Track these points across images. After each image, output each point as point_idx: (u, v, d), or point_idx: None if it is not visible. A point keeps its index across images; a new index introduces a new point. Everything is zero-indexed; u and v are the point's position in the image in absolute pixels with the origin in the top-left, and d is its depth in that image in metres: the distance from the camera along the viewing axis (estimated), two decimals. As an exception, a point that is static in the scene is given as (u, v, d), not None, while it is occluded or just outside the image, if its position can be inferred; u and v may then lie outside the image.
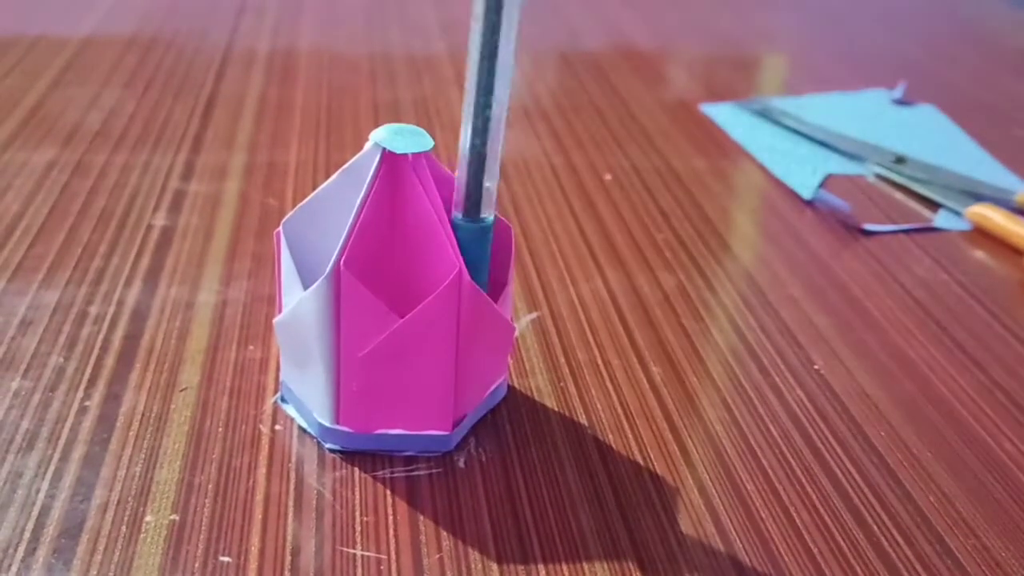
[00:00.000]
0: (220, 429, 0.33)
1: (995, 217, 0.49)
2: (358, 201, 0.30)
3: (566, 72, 0.69)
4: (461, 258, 0.30)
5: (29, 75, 0.63)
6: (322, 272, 0.30)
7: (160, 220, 0.46)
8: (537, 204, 0.50)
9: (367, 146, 0.31)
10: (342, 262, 0.29)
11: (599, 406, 0.35)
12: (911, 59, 0.78)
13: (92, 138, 0.54)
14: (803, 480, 0.32)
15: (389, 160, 0.30)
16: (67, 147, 0.52)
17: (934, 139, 0.60)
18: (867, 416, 0.36)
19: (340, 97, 0.62)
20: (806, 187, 0.53)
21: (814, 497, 0.32)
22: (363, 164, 0.31)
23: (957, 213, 0.51)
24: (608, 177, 0.53)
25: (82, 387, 0.34)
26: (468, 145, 0.30)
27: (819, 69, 0.74)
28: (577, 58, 0.72)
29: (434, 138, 0.31)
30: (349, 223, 0.30)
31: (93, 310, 0.38)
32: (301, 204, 0.32)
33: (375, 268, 0.30)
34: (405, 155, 0.30)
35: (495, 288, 0.32)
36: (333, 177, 0.31)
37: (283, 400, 0.34)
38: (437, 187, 0.31)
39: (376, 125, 0.58)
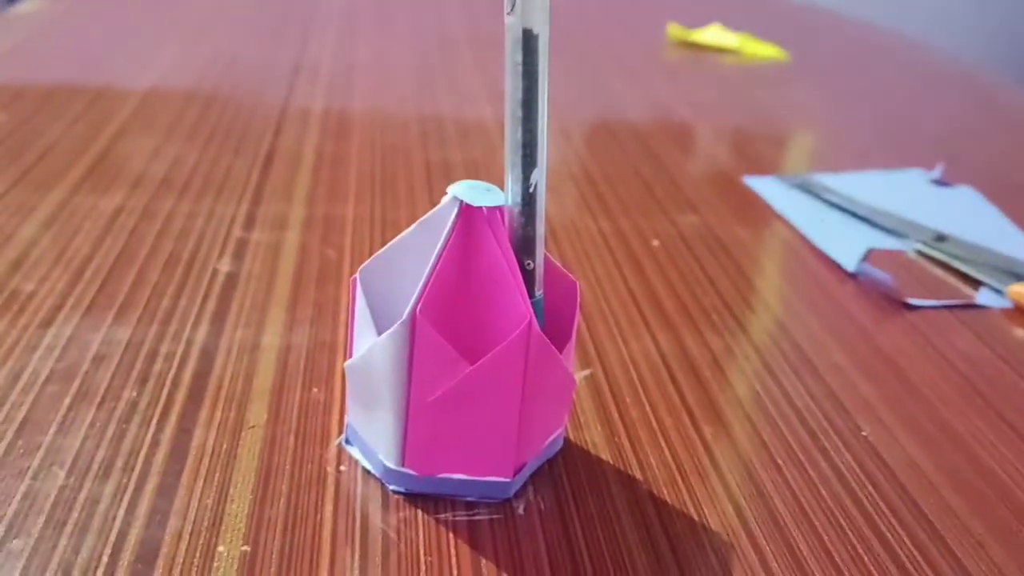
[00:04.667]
0: (287, 467, 0.34)
1: (1036, 296, 0.50)
2: (435, 251, 0.31)
3: (611, 142, 0.71)
4: (531, 309, 0.31)
5: (95, 124, 0.65)
6: (396, 318, 0.31)
7: (225, 266, 0.47)
8: (587, 266, 0.51)
9: (444, 199, 0.32)
10: (418, 309, 0.31)
11: (653, 462, 0.36)
12: (944, 139, 0.79)
13: (157, 186, 0.56)
14: (855, 543, 0.33)
15: (466, 213, 0.32)
16: (133, 194, 0.54)
17: (973, 219, 0.61)
18: (916, 484, 0.36)
19: (393, 156, 0.64)
20: (849, 259, 0.54)
21: (866, 559, 0.32)
22: (440, 216, 0.32)
23: (998, 291, 0.52)
24: (656, 243, 0.55)
25: (154, 421, 0.35)
26: (513, 226, 0.31)
27: (856, 146, 0.76)
28: (621, 129, 0.74)
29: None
30: (426, 272, 0.31)
31: (163, 348, 0.40)
32: (377, 253, 0.33)
33: (448, 316, 0.32)
34: (481, 208, 0.32)
35: (559, 341, 0.33)
36: (410, 228, 0.33)
37: (347, 442, 0.35)
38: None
39: (428, 184, 0.60)
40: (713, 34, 1.02)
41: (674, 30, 1.03)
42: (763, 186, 0.64)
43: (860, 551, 0.33)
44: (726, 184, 0.65)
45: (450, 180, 0.61)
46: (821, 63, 1.02)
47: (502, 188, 0.32)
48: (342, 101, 0.75)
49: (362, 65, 0.86)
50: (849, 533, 0.33)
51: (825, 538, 0.33)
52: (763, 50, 1.00)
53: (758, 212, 0.61)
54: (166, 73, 0.78)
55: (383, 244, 0.51)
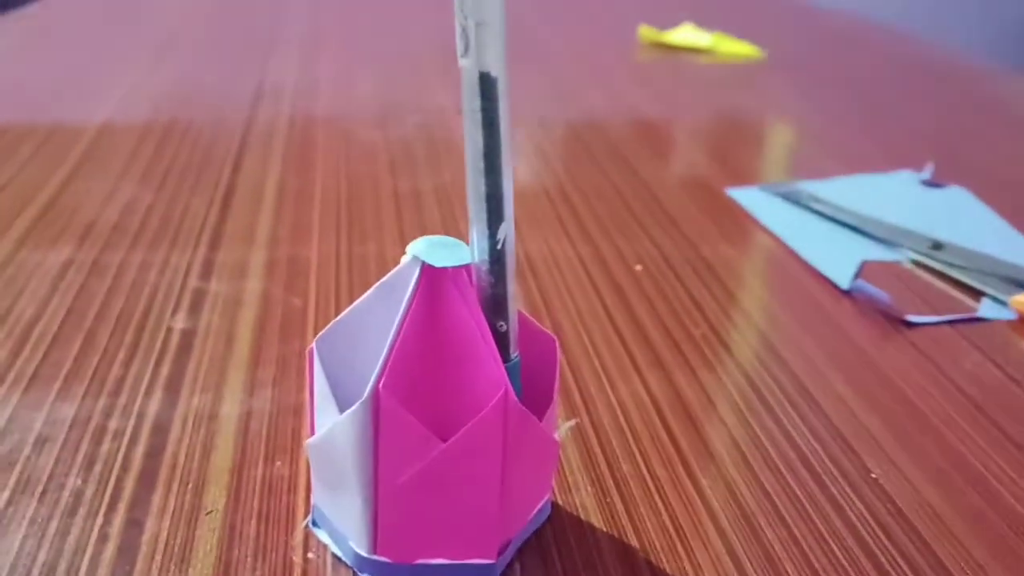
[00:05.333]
0: (249, 559, 0.31)
1: (1042, 306, 0.47)
2: (397, 317, 0.28)
3: (586, 156, 0.68)
4: (506, 375, 0.28)
5: (45, 167, 0.62)
6: (358, 392, 0.28)
7: (180, 322, 0.44)
8: (568, 299, 0.48)
9: (404, 259, 0.29)
10: (381, 385, 0.28)
11: (649, 526, 0.33)
12: (931, 136, 0.77)
13: (109, 234, 0.53)
14: (873, 607, 0.30)
15: (428, 274, 0.29)
16: (83, 244, 0.51)
17: (968, 222, 0.59)
18: (933, 531, 0.34)
19: (359, 186, 0.61)
20: (842, 275, 0.51)
21: (887, 627, 0.29)
22: (401, 278, 0.29)
23: (1001, 302, 0.49)
24: (639, 268, 0.52)
25: (102, 512, 0.32)
26: (481, 285, 0.28)
27: (841, 148, 0.73)
28: (596, 141, 0.72)
29: (460, 230, 0.30)
30: (388, 341, 0.28)
31: (112, 424, 0.37)
32: (335, 320, 0.30)
33: (415, 388, 0.29)
34: (445, 269, 0.29)
35: (539, 405, 0.31)
36: (369, 292, 0.30)
37: (315, 524, 0.32)
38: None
39: (397, 215, 0.57)
40: (686, 34, 0.99)
41: (646, 31, 1.00)
42: (747, 197, 0.61)
43: (880, 617, 0.30)
44: (708, 197, 0.62)
45: (421, 209, 0.58)
46: (798, 59, 1.00)
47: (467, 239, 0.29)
48: (305, 129, 0.71)
49: (325, 88, 0.83)
50: (866, 595, 0.31)
51: (841, 604, 0.30)
52: (738, 48, 0.98)
53: (744, 227, 0.58)
54: (120, 106, 0.74)
55: (351, 286, 0.48)
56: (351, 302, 0.46)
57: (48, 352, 0.41)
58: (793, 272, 0.53)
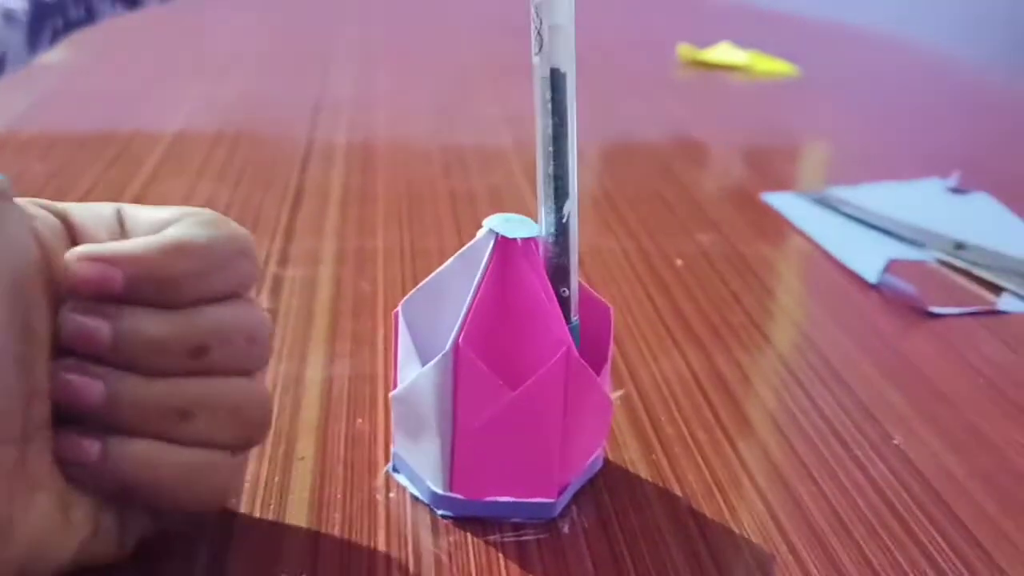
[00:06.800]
0: (339, 496, 0.35)
1: (1058, 300, 0.51)
2: (474, 282, 0.33)
3: (628, 163, 0.73)
4: (569, 335, 0.32)
5: (128, 168, 0.67)
6: (438, 348, 0.32)
7: (263, 302, 0.49)
8: (613, 287, 0.52)
9: (480, 232, 0.33)
10: (461, 339, 0.32)
11: (691, 477, 0.37)
12: (958, 148, 0.80)
13: (192, 227, 0.57)
14: (893, 549, 0.34)
15: (502, 245, 0.33)
16: (170, 235, 0.56)
17: (990, 225, 0.62)
18: (949, 490, 0.37)
19: (418, 187, 0.65)
20: (870, 271, 0.55)
21: (905, 566, 0.33)
22: (477, 248, 0.33)
23: (1021, 297, 0.53)
24: (679, 262, 0.56)
25: (208, 456, 0.37)
26: (547, 256, 0.33)
27: (871, 159, 0.77)
28: (638, 150, 0.76)
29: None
30: (466, 303, 0.32)
31: (211, 386, 0.41)
32: (418, 286, 0.35)
33: (489, 344, 0.33)
34: (515, 240, 0.33)
35: (595, 365, 0.35)
36: (448, 261, 0.34)
37: (395, 470, 0.36)
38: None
39: (454, 214, 0.62)
40: (723, 52, 1.03)
41: (684, 50, 1.04)
42: (781, 202, 0.65)
43: (899, 558, 0.33)
44: (745, 201, 0.66)
45: (475, 209, 0.62)
46: (832, 76, 1.04)
47: (532, 217, 0.34)
48: (365, 135, 0.76)
49: (382, 99, 0.88)
50: (887, 540, 0.34)
51: (864, 547, 0.34)
52: (774, 66, 1.02)
53: (778, 228, 0.62)
54: (192, 116, 0.80)
55: (414, 274, 0.52)
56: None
57: (149, 325, 0.46)
58: (824, 268, 0.56)
